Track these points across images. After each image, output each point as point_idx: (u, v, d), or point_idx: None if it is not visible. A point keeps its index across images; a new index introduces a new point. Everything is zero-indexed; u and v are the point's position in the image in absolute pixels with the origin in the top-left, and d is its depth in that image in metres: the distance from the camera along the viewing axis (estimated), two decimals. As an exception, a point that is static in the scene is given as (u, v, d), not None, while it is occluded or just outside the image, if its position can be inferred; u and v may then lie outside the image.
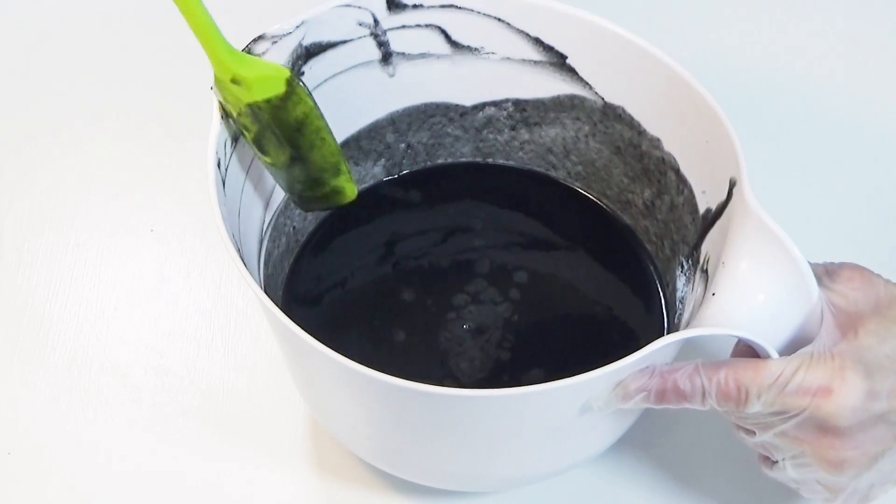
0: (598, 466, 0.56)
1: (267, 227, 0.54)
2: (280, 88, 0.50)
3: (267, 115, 0.50)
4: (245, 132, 0.50)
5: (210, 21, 0.47)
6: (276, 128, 0.51)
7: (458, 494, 0.56)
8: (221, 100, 0.50)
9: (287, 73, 0.50)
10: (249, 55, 0.50)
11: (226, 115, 0.50)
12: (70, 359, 0.60)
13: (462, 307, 0.56)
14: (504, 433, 0.47)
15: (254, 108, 0.50)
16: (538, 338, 0.55)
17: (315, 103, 0.51)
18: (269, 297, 0.44)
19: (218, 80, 0.49)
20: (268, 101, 0.50)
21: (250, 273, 0.45)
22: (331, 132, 0.53)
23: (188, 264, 0.64)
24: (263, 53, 0.50)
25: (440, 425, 0.47)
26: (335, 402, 0.50)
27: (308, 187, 0.54)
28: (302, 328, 0.44)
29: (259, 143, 0.51)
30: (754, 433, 0.47)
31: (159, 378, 0.60)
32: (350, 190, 0.55)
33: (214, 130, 0.48)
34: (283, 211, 0.56)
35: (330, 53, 0.54)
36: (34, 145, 0.69)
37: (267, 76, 0.49)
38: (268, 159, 0.52)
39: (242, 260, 0.46)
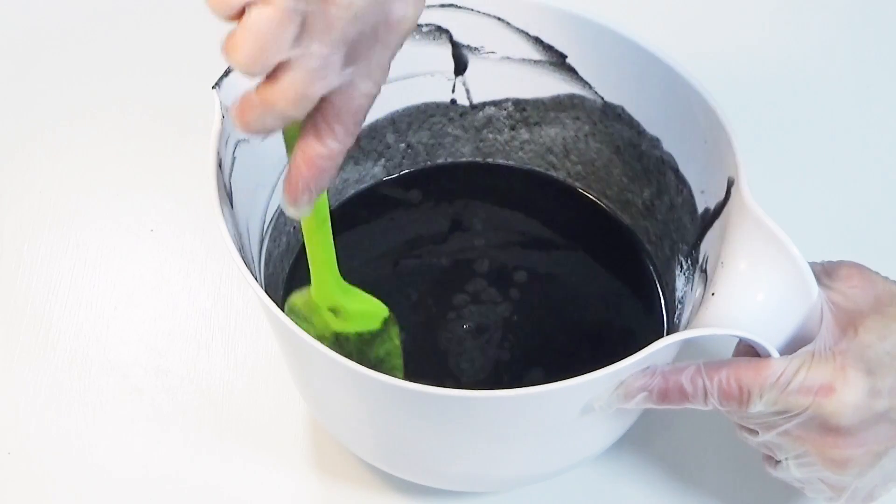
0: (598, 466, 0.56)
1: (267, 227, 0.54)
2: (375, 325, 0.50)
3: (352, 345, 0.50)
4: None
5: (331, 249, 0.46)
6: (354, 355, 0.48)
7: (458, 494, 0.56)
8: (298, 322, 0.46)
9: (386, 313, 0.50)
10: (353, 287, 0.49)
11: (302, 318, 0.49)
12: (70, 359, 0.60)
13: (462, 307, 0.56)
14: (505, 434, 0.47)
15: (341, 337, 0.50)
16: (538, 338, 0.55)
17: (401, 342, 0.51)
18: (269, 296, 0.44)
19: (311, 304, 0.48)
20: (359, 334, 0.50)
21: (251, 272, 0.45)
22: (403, 369, 0.52)
23: (188, 264, 0.64)
24: None
25: (441, 426, 0.47)
26: (335, 402, 0.50)
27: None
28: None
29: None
30: (757, 433, 0.47)
31: (159, 378, 0.60)
32: None
33: (215, 130, 0.48)
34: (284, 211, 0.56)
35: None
36: (34, 146, 0.69)
37: (367, 312, 0.49)
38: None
39: (243, 259, 0.46)
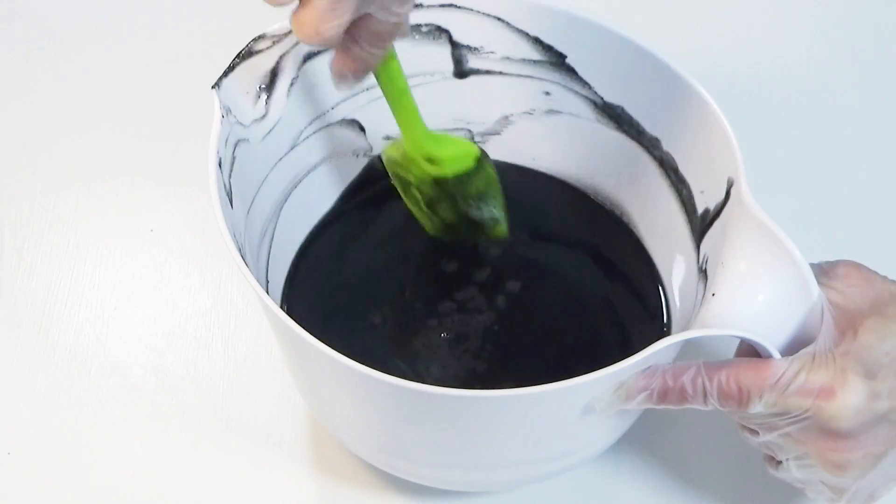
0: (598, 466, 0.56)
1: (267, 227, 0.54)
2: (470, 164, 0.54)
3: (451, 186, 0.54)
4: (417, 195, 0.55)
5: (413, 104, 0.51)
6: (455, 197, 0.54)
7: (458, 494, 0.56)
8: (399, 171, 0.54)
9: (477, 151, 0.54)
10: (440, 134, 0.54)
11: (398, 179, 0.55)
12: (70, 359, 0.60)
13: (462, 303, 0.56)
14: (505, 434, 0.47)
15: (440, 181, 0.53)
16: (537, 337, 0.56)
17: (496, 172, 0.55)
18: (269, 296, 0.44)
19: (407, 158, 0.53)
20: (456, 175, 0.53)
21: (251, 272, 0.45)
22: (503, 195, 0.56)
23: (188, 264, 0.64)
24: (263, 52, 0.50)
25: (441, 425, 0.47)
26: (335, 402, 0.50)
27: (457, 233, 0.57)
28: (301, 327, 0.44)
29: (431, 205, 0.55)
30: (758, 433, 0.47)
31: (159, 378, 0.60)
32: (501, 232, 0.57)
33: (215, 129, 0.48)
34: (284, 210, 0.56)
35: (329, 52, 0.54)
36: (34, 145, 0.69)
37: (459, 154, 0.53)
38: (431, 216, 0.56)
39: (243, 259, 0.46)
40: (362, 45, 0.44)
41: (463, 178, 0.54)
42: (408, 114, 0.51)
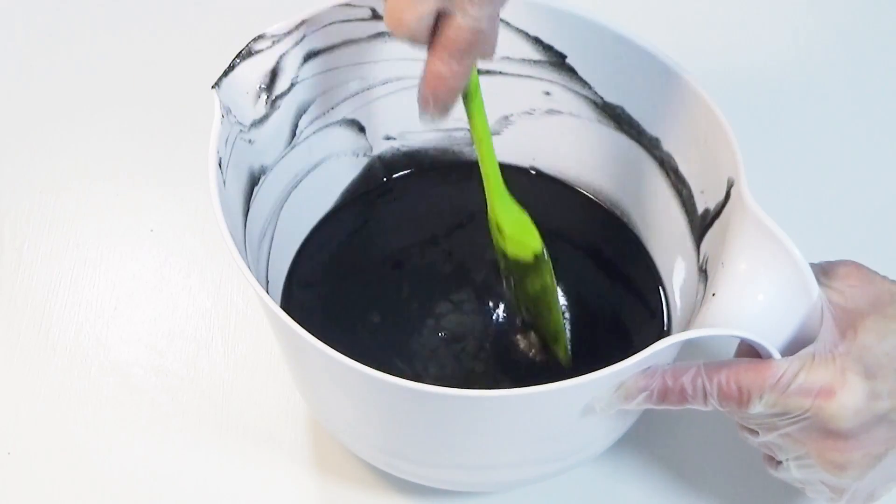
0: (598, 466, 0.56)
1: (267, 226, 0.54)
2: (528, 257, 0.51)
3: (514, 268, 0.51)
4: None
5: (491, 157, 0.49)
6: (517, 283, 0.51)
7: (457, 494, 0.56)
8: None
9: (538, 248, 0.51)
10: (517, 208, 0.50)
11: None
12: (70, 359, 0.60)
13: (460, 303, 0.56)
14: (505, 434, 0.47)
15: (504, 255, 0.51)
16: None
17: (553, 280, 0.52)
18: (268, 295, 0.44)
19: (489, 218, 0.51)
20: (516, 260, 0.51)
21: (251, 271, 0.45)
22: (559, 306, 0.53)
23: (188, 264, 0.64)
24: (263, 52, 0.50)
25: (441, 425, 0.47)
26: (335, 401, 0.50)
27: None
28: (301, 326, 0.44)
29: (504, 276, 0.52)
30: (758, 433, 0.47)
31: (159, 378, 0.60)
32: (563, 358, 0.53)
33: (215, 129, 0.48)
34: (284, 210, 0.56)
35: (329, 52, 0.54)
36: (34, 145, 0.69)
37: (520, 240, 0.50)
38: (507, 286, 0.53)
39: (243, 259, 0.46)
40: (442, 56, 0.43)
41: (521, 267, 0.51)
42: (485, 165, 0.49)
